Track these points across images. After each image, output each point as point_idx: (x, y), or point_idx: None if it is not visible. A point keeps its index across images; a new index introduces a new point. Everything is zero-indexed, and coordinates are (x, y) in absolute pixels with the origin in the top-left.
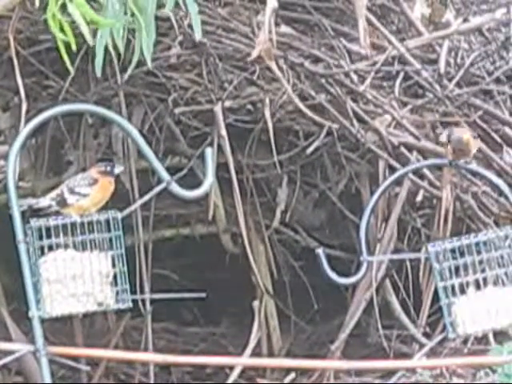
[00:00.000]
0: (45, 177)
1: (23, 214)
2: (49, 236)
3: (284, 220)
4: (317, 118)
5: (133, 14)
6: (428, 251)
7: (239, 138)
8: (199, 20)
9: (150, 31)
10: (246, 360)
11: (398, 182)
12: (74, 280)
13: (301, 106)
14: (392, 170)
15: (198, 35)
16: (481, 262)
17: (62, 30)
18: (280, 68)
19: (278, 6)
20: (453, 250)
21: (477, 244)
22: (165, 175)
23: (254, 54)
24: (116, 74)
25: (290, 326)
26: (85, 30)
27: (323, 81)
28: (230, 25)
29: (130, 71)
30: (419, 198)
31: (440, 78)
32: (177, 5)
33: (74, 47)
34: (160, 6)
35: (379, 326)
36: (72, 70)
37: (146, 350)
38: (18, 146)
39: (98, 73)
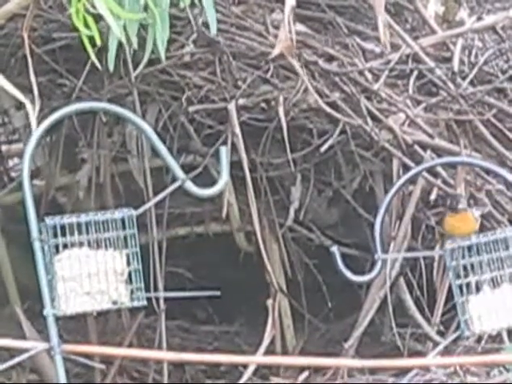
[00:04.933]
0: (59, 174)
1: (38, 211)
2: (63, 234)
3: (298, 218)
4: (336, 115)
5: (146, 8)
6: (444, 249)
7: (253, 137)
8: (214, 13)
9: (164, 25)
10: (259, 358)
11: (412, 181)
12: (89, 278)
13: (321, 102)
14: (406, 168)
15: (213, 29)
16: (496, 260)
17: (85, 25)
18: (294, 66)
19: (295, 3)
20: (468, 248)
21: (494, 242)
22: (179, 173)
23: (276, 51)
24: (130, 73)
25: (304, 325)
26: (111, 22)
27: (337, 79)
28: (244, 23)
29: (142, 66)
30: (433, 196)
31: (454, 76)
32: (192, 4)
33: (98, 42)
34: (175, 4)
35: (393, 325)
36: (99, 66)
37: (159, 348)
38: (32, 145)
39: (111, 67)
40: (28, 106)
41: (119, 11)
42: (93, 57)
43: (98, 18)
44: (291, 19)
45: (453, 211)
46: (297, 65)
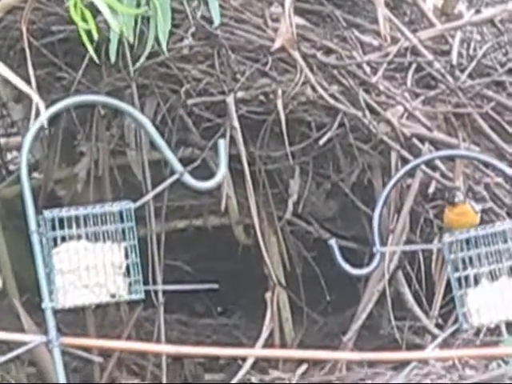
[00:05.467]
0: (58, 167)
1: (36, 204)
2: (62, 227)
3: (296, 211)
4: (337, 105)
5: (148, 1)
6: (442, 242)
7: (252, 130)
8: (217, 5)
9: (166, 17)
10: (258, 351)
11: (411, 174)
12: (87, 271)
13: (323, 93)
14: (404, 161)
15: (216, 22)
16: (495, 253)
17: (83, 18)
18: (293, 59)
19: None
20: (467, 241)
21: (492, 235)
22: (177, 166)
23: (277, 44)
24: (128, 66)
25: (303, 318)
26: (108, 15)
27: (335, 72)
28: (243, 16)
29: (142, 59)
30: (431, 189)
31: (452, 69)
32: None
33: (95, 35)
34: None
35: (391, 318)
36: (97, 59)
37: (158, 341)
38: (30, 138)
39: (113, 59)
40: (36, 97)
41: (116, 5)
42: (91, 50)
43: (97, 11)
44: (292, 12)
45: (450, 205)
46: (298, 57)
